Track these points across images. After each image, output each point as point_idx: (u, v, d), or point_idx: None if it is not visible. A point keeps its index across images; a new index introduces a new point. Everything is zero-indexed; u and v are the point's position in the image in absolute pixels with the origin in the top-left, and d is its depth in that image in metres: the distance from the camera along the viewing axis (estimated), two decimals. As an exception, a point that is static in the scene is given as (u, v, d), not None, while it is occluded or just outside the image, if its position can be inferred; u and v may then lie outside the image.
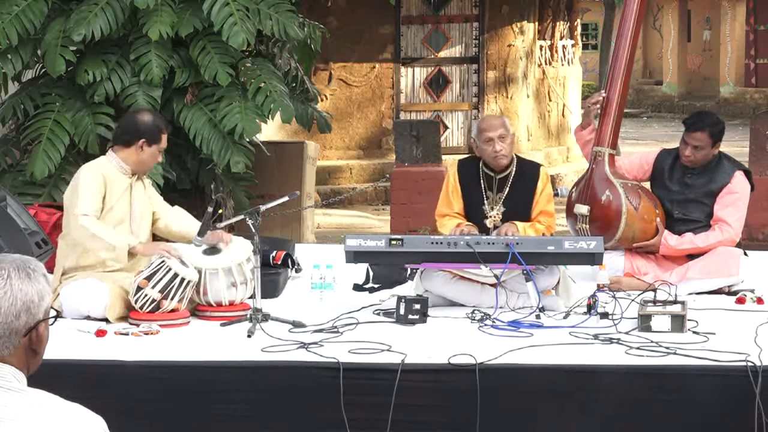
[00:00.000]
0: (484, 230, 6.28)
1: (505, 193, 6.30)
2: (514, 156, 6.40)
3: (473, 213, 6.35)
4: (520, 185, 6.32)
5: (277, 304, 6.00)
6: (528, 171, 6.38)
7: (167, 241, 6.08)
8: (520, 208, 6.28)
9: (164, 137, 6.01)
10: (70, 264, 5.85)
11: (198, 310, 5.80)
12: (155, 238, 6.18)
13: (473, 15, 15.77)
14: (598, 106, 6.79)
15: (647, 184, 6.78)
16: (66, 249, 5.89)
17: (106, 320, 5.62)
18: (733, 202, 6.50)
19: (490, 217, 6.30)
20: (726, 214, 6.48)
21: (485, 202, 6.32)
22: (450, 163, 9.35)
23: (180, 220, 6.12)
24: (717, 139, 6.55)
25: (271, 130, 13.01)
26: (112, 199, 5.85)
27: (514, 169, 6.35)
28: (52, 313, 2.48)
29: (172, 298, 5.57)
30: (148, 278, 5.57)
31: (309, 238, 10.51)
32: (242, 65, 8.77)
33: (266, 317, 5.50)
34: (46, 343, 2.44)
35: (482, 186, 6.35)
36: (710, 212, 6.54)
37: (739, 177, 6.55)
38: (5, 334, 2.36)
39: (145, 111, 6.40)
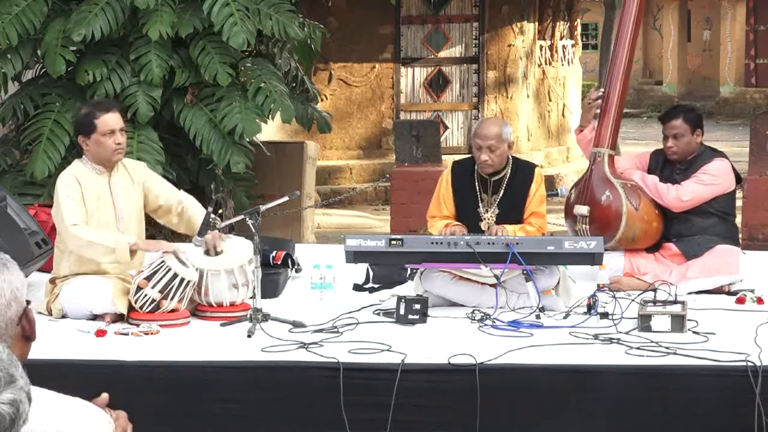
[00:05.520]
0: (479, 233, 6.22)
1: (500, 195, 6.23)
2: (510, 157, 6.31)
3: (467, 215, 6.27)
4: (515, 187, 6.25)
5: (277, 304, 6.00)
6: (522, 173, 6.29)
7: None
8: (514, 211, 6.22)
9: (102, 119, 5.72)
10: (65, 272, 5.82)
11: (198, 310, 5.79)
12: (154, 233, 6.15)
13: (473, 15, 15.76)
14: (599, 102, 6.78)
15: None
16: (60, 255, 5.86)
17: (109, 315, 5.60)
18: (700, 179, 6.49)
19: (485, 219, 6.25)
20: (685, 183, 6.48)
21: (480, 204, 6.27)
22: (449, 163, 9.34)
23: (191, 218, 5.96)
24: (695, 126, 6.56)
25: (271, 130, 13.00)
26: (91, 202, 5.77)
27: (509, 171, 6.27)
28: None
29: (172, 298, 5.57)
30: (148, 278, 5.56)
31: (309, 238, 10.51)
32: (242, 65, 8.77)
33: (266, 317, 5.50)
34: (35, 327, 2.46)
35: (477, 188, 6.29)
36: (706, 207, 6.53)
37: (717, 163, 6.54)
38: (3, 326, 2.38)
39: (83, 107, 6.13)
